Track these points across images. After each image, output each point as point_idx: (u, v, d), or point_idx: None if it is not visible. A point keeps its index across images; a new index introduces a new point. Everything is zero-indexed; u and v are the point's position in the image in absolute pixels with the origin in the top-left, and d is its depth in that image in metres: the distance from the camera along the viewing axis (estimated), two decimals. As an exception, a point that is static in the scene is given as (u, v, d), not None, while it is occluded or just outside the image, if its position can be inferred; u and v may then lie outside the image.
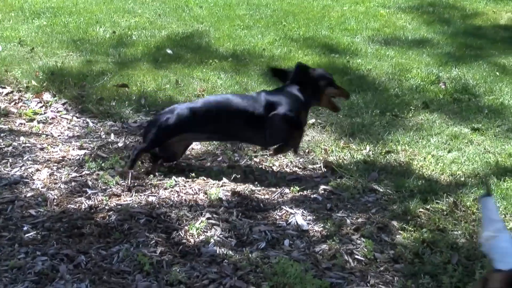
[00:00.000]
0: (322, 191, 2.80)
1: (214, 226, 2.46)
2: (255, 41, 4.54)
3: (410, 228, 2.53)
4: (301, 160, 3.13)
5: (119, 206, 2.53)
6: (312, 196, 2.76)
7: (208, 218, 2.51)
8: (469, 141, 3.34)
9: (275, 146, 2.98)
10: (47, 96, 3.50)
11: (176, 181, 2.76)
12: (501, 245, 1.85)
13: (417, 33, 4.70)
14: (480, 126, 3.47)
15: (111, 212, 2.49)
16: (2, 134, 3.12)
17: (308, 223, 2.55)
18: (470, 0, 5.24)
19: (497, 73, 4.07)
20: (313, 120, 3.52)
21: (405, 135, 3.38)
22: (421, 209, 2.67)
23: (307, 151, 3.19)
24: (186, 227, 2.43)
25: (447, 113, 3.62)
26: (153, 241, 2.34)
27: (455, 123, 3.51)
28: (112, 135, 3.15)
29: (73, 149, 2.99)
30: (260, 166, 3.01)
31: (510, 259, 1.84)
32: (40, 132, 3.18)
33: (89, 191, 2.64)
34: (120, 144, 3.06)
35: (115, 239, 2.35)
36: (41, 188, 2.66)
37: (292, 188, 2.80)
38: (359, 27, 4.80)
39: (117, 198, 2.60)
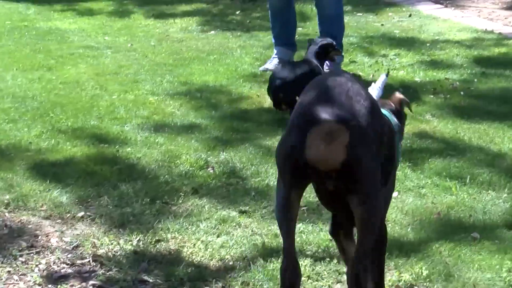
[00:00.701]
0: (91, 287, 2.75)
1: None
2: (21, 135, 4.43)
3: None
4: (69, 255, 3.06)
5: None
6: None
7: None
8: (237, 224, 3.40)
9: None
10: None
11: None
12: None
13: (185, 119, 4.78)
14: (247, 208, 3.56)
15: None
16: None
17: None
18: (236, 84, 5.41)
19: (263, 155, 4.20)
20: (82, 213, 3.47)
21: (175, 222, 3.39)
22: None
23: (75, 245, 3.13)
24: None
25: (216, 197, 3.68)
26: None
27: (223, 207, 3.58)
28: None
29: None
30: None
31: None
32: None
33: None
34: None
35: None
36: None
37: (59, 286, 2.72)
38: (129, 115, 4.82)
39: None
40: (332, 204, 2.49)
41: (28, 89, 5.27)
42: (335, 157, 2.23)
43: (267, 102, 5.05)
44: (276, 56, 5.82)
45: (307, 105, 2.28)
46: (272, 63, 5.77)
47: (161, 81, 5.50)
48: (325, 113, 2.22)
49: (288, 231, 2.38)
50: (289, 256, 2.38)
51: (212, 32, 7.01)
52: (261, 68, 5.77)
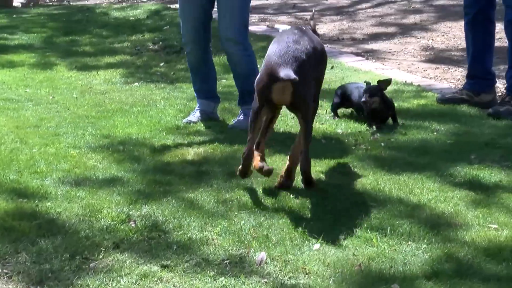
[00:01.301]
0: None
1: None
2: None
3: None
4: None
5: None
6: None
7: None
8: (158, 279, 3.37)
9: None
10: None
11: None
12: None
13: (107, 172, 4.74)
14: (169, 262, 3.52)
15: None
16: None
17: None
18: (159, 137, 5.40)
19: (186, 208, 4.18)
20: (0, 270, 3.39)
21: (95, 278, 3.34)
22: None
23: (-9, 305, 3.04)
24: None
25: (137, 252, 3.64)
26: None
27: (145, 261, 3.54)
28: None
29: None
30: None
31: None
32: None
33: None
34: None
35: None
36: None
37: None
38: (49, 169, 4.76)
39: None
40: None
41: None
42: (286, 99, 4.19)
43: (190, 154, 5.05)
44: (199, 108, 5.83)
45: (272, 65, 4.12)
46: (196, 115, 5.79)
47: (83, 134, 5.45)
48: (281, 74, 4.03)
49: (253, 129, 4.32)
50: (251, 143, 4.35)
51: (136, 84, 7.00)
52: (184, 120, 5.77)
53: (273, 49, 4.20)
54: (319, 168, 4.77)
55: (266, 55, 4.25)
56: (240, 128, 5.51)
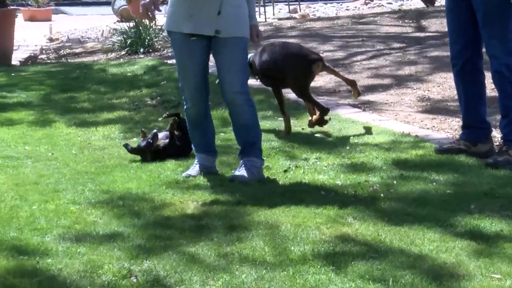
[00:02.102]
0: None
1: None
2: None
3: None
4: None
5: None
6: None
7: None
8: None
9: None
10: None
11: None
12: None
13: (108, 227, 4.74)
14: (171, 318, 3.51)
15: None
16: None
17: None
18: (158, 191, 5.41)
19: (187, 262, 4.17)
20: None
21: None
22: None
23: None
24: None
25: (139, 308, 3.62)
26: None
27: (147, 317, 3.52)
28: None
29: None
30: None
31: None
32: None
33: None
34: None
35: None
36: None
37: None
38: (50, 225, 4.76)
39: None
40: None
41: None
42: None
43: (190, 208, 5.06)
44: (198, 163, 5.85)
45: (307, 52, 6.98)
46: (195, 170, 5.81)
47: (83, 190, 5.46)
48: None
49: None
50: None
51: (135, 139, 7.02)
52: (183, 174, 5.79)
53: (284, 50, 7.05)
54: (319, 219, 4.78)
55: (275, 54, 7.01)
56: (240, 181, 5.52)
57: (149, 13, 5.57)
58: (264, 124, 7.23)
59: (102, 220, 4.87)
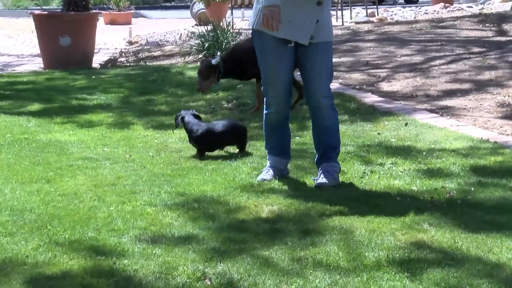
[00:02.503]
0: None
1: None
2: (18, 248, 4.43)
3: None
4: None
5: None
6: None
7: None
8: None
9: None
10: None
11: None
12: None
13: (183, 229, 4.78)
14: (244, 321, 3.52)
15: None
16: None
17: None
18: (233, 194, 5.43)
19: (260, 266, 4.19)
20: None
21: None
22: None
23: None
24: None
25: (213, 310, 3.65)
26: None
27: (220, 319, 3.54)
28: None
29: None
30: None
31: None
32: None
33: None
34: None
35: None
36: None
37: None
38: (126, 226, 4.83)
39: None
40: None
41: (26, 202, 5.29)
42: None
43: (265, 212, 5.07)
44: (271, 165, 5.85)
45: None
46: (269, 173, 5.81)
47: (159, 192, 5.52)
48: None
49: None
50: None
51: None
52: (258, 178, 5.79)
53: None
54: (394, 225, 4.73)
55: None
56: (327, 187, 5.53)
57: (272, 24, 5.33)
58: (339, 128, 7.20)
59: (178, 222, 4.92)
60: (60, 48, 12.24)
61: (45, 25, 12.55)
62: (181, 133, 7.49)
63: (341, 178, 5.72)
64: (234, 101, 8.91)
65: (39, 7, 23.22)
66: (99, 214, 5.06)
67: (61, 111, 8.63)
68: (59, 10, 14.11)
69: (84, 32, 12.51)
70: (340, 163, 5.79)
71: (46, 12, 14.49)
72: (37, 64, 12.99)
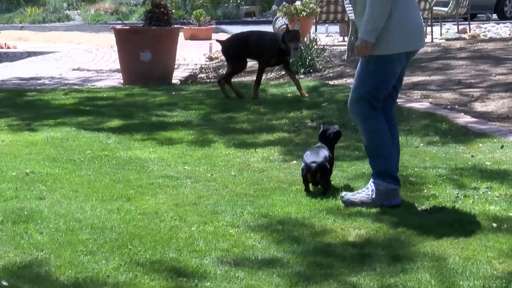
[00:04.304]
0: None
1: None
2: (99, 267, 4.35)
3: None
4: None
5: None
6: None
7: None
8: None
9: None
10: None
11: None
12: None
13: (267, 252, 4.63)
14: None
15: None
16: None
17: None
18: (319, 217, 5.25)
19: (349, 293, 4.00)
20: None
21: None
22: None
23: None
24: None
25: None
26: None
27: None
28: None
29: None
30: None
31: None
32: None
33: None
34: None
35: None
36: None
37: None
38: (208, 248, 4.70)
39: None
40: None
41: (106, 220, 5.20)
42: None
43: (352, 235, 4.87)
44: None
45: None
46: (362, 195, 5.53)
47: (242, 213, 5.37)
48: None
49: None
50: None
51: (294, 162, 6.89)
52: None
53: None
54: (490, 253, 4.48)
55: None
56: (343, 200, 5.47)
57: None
58: (430, 149, 6.95)
59: (261, 245, 4.76)
60: (141, 63, 12.22)
61: (126, 40, 12.55)
62: (264, 152, 7.34)
63: (433, 202, 5.47)
64: (319, 119, 8.71)
65: (120, 21, 23.33)
66: (181, 234, 4.93)
67: (141, 128, 8.57)
68: (140, 25, 14.15)
69: (165, 47, 12.48)
70: (431, 186, 5.54)
71: (128, 27, 14.55)
72: (116, 79, 13.02)
